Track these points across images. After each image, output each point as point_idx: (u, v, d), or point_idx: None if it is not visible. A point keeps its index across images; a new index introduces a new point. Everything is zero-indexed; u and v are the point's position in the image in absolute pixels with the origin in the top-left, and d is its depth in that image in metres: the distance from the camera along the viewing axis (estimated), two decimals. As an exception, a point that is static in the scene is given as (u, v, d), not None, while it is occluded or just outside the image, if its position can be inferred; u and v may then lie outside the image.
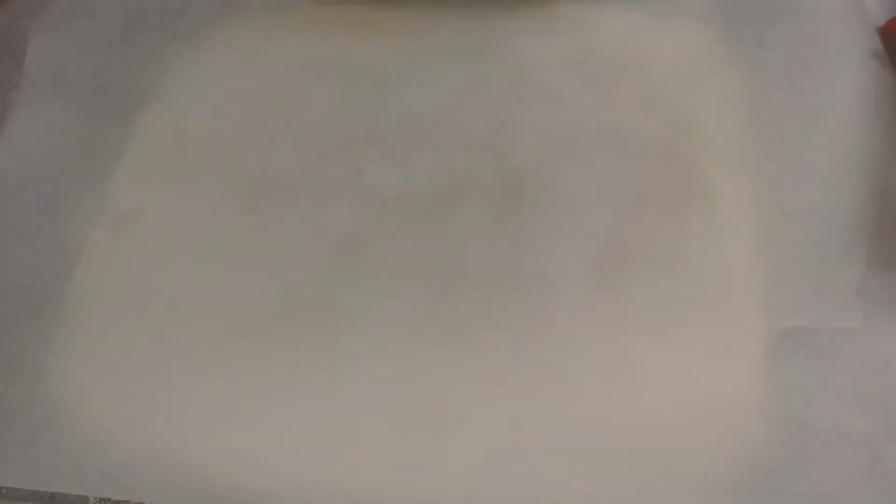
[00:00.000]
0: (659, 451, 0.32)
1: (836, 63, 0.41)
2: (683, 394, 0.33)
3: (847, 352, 0.32)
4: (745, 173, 0.38)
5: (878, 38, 0.41)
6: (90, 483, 0.33)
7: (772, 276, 0.35)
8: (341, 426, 0.34)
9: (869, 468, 0.31)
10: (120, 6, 0.48)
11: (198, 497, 0.32)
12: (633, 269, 0.37)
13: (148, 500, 0.32)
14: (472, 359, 0.35)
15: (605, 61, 0.44)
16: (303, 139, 0.42)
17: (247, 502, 0.32)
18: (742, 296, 0.35)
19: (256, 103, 0.44)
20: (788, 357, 0.33)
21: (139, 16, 0.47)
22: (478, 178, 0.40)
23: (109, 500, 0.33)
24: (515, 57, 0.44)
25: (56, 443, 0.34)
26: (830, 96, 0.40)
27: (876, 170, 0.37)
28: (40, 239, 0.39)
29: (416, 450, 0.33)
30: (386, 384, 0.35)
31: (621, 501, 0.31)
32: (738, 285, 0.35)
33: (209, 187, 0.41)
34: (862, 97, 0.39)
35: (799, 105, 0.39)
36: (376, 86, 0.44)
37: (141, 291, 0.38)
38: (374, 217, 0.39)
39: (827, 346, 0.33)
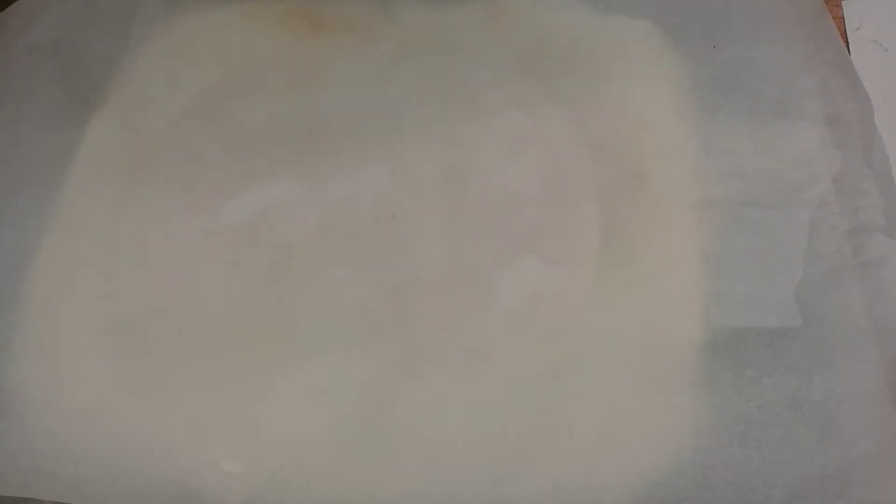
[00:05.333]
0: (596, 443, 0.33)
1: (784, 64, 0.41)
2: (620, 390, 0.34)
3: (786, 353, 0.33)
4: (693, 171, 0.38)
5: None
6: (44, 488, 0.33)
7: (713, 274, 0.36)
8: (292, 420, 0.35)
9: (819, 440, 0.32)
10: (69, 7, 0.47)
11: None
12: (578, 264, 0.37)
13: None
14: (417, 352, 0.36)
15: (553, 59, 0.44)
16: (254, 141, 0.42)
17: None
18: (683, 290, 0.36)
19: (210, 101, 0.44)
20: (727, 354, 0.34)
21: (88, 16, 0.47)
22: (424, 180, 0.40)
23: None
24: (464, 56, 0.44)
25: (11, 448, 0.34)
26: (777, 97, 0.40)
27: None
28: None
29: (363, 440, 0.34)
30: (335, 382, 0.35)
31: (552, 489, 0.32)
32: (679, 281, 0.36)
33: (166, 189, 0.41)
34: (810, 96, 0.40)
35: (746, 103, 0.40)
36: (322, 85, 0.44)
37: (96, 298, 0.38)
38: (324, 220, 0.40)
39: (770, 335, 0.33)
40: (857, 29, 0.42)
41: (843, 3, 0.43)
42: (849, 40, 0.42)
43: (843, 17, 0.43)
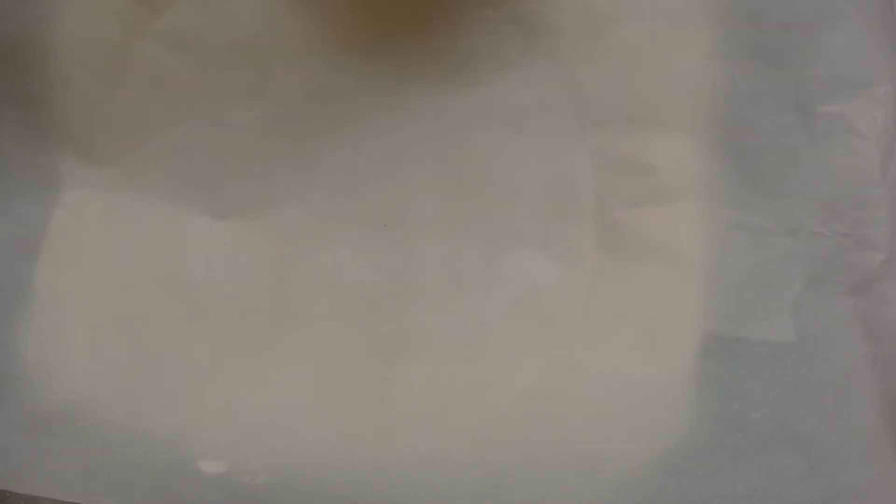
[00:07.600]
0: (582, 444, 0.33)
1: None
2: (612, 391, 0.34)
3: (775, 383, 0.33)
4: (703, 175, 0.36)
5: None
6: (48, 480, 0.33)
7: (712, 281, 0.35)
8: (298, 401, 0.35)
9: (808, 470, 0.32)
10: None
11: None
12: (579, 264, 0.36)
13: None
14: (415, 337, 0.36)
15: (561, 33, 0.39)
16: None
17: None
18: (681, 297, 0.35)
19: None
20: (722, 364, 0.33)
21: None
22: (428, 166, 0.39)
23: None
24: (463, 32, 0.40)
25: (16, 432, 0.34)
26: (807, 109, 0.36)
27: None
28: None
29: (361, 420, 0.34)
30: (328, 369, 0.36)
31: (532, 489, 0.32)
32: (678, 286, 0.35)
33: (159, 178, 0.39)
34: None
35: (769, 114, 0.36)
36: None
37: (110, 272, 0.38)
38: (324, 207, 0.39)
39: (760, 360, 0.33)
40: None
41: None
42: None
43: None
